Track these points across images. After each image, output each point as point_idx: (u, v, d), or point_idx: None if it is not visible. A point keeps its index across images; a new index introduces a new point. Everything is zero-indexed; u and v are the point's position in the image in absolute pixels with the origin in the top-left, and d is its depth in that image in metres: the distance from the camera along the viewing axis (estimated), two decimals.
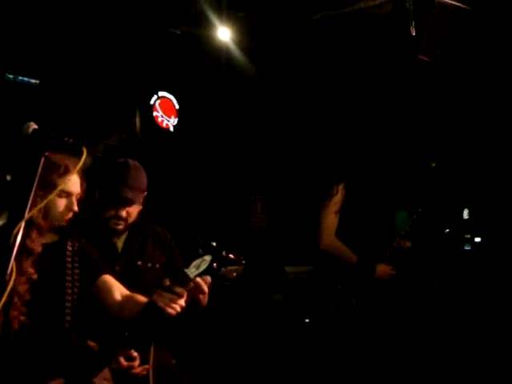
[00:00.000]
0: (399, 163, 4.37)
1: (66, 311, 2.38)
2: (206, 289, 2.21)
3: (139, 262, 2.98)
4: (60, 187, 2.28)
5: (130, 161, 3.02)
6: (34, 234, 2.33)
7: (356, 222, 3.85)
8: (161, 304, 2.14)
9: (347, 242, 3.80)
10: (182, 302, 2.17)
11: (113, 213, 2.90)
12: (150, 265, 2.99)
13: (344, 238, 3.82)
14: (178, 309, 2.17)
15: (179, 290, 2.14)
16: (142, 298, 2.40)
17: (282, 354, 4.68)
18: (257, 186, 7.05)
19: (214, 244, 2.14)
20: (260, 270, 5.37)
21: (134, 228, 3.04)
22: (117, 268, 2.89)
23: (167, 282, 2.17)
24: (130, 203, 2.91)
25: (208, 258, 2.12)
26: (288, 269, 5.41)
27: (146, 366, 2.71)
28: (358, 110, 5.38)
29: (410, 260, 4.01)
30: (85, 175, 2.53)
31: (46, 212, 2.35)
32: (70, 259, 2.49)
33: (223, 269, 2.19)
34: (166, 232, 3.17)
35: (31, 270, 2.31)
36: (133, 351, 2.67)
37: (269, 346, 4.80)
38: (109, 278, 2.55)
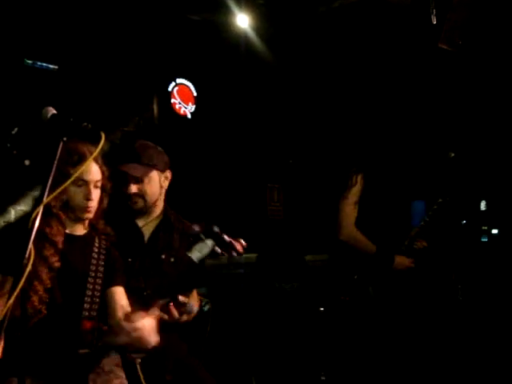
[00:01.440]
0: (417, 153, 4.34)
1: (85, 305, 2.40)
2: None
3: (163, 256, 2.98)
4: (75, 175, 2.29)
5: (140, 140, 3.04)
6: (53, 224, 2.34)
7: (374, 213, 3.84)
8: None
9: (365, 232, 3.80)
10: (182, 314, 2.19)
11: (125, 192, 2.91)
12: (172, 260, 2.98)
13: (362, 229, 3.81)
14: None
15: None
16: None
17: (296, 342, 4.68)
18: (274, 175, 7.03)
19: (216, 228, 2.14)
20: (275, 259, 5.37)
21: (162, 221, 3.04)
22: (139, 258, 2.91)
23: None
24: (135, 179, 2.92)
25: (210, 242, 2.13)
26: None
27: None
28: (376, 99, 5.35)
29: (427, 251, 4.00)
30: (106, 163, 2.54)
31: (65, 201, 2.36)
32: (96, 255, 2.51)
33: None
34: (192, 226, 3.18)
35: (54, 259, 2.33)
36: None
37: (283, 334, 4.80)
38: (119, 291, 2.55)
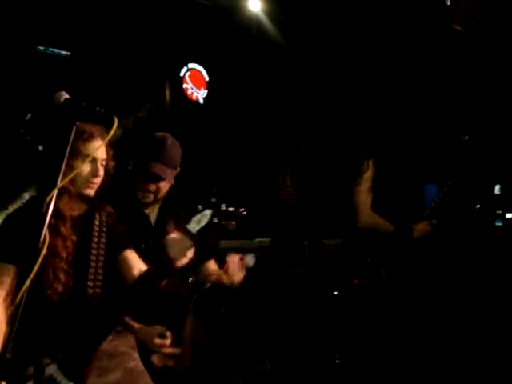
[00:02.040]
0: (431, 137, 4.32)
1: (88, 283, 2.40)
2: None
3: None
4: (91, 155, 2.30)
5: (168, 136, 3.02)
6: (64, 200, 2.35)
7: (387, 197, 3.84)
8: (171, 253, 2.15)
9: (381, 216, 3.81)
10: (188, 253, 2.19)
11: (141, 187, 2.92)
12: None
13: (377, 213, 3.81)
14: (183, 261, 2.18)
15: (186, 241, 2.16)
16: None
17: (310, 326, 4.69)
18: (286, 159, 7.02)
19: (214, 199, 2.14)
20: (288, 243, 5.37)
21: (166, 200, 3.05)
22: (151, 240, 2.92)
23: (175, 232, 2.18)
24: (160, 180, 2.93)
25: (208, 212, 2.12)
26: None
27: (175, 350, 2.72)
28: (388, 83, 5.31)
29: (440, 235, 3.99)
30: (113, 145, 2.55)
31: (72, 177, 2.36)
32: (96, 233, 2.52)
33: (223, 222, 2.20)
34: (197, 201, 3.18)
35: (71, 235, 2.35)
36: (165, 329, 2.69)
37: (297, 318, 4.81)
38: (130, 254, 2.57)
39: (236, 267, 2.30)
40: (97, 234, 2.51)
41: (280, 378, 4.43)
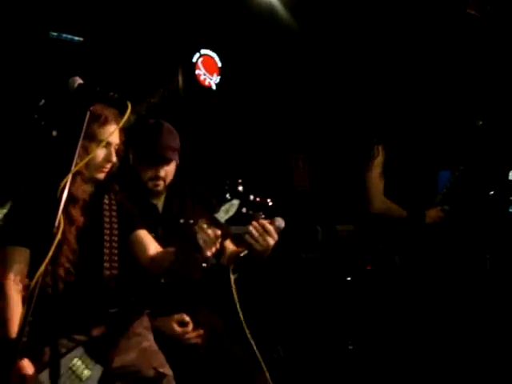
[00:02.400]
0: (444, 122, 4.29)
1: (104, 264, 2.42)
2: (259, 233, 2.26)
3: (181, 220, 2.99)
4: (105, 140, 2.30)
5: (162, 121, 3.03)
6: (77, 182, 2.36)
7: (399, 182, 3.83)
8: (201, 242, 2.15)
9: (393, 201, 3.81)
10: (217, 242, 2.19)
11: (151, 173, 2.90)
12: (192, 221, 3.00)
13: (389, 198, 3.81)
14: (213, 250, 2.18)
15: (216, 230, 2.16)
16: (173, 250, 2.42)
17: (323, 312, 4.70)
18: (299, 145, 7.00)
19: (241, 189, 2.13)
20: (300, 229, 5.38)
21: (171, 188, 3.04)
22: (159, 229, 2.92)
23: (205, 220, 2.18)
24: (168, 161, 2.91)
25: (236, 202, 2.11)
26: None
27: (200, 331, 2.76)
28: (401, 67, 5.27)
29: (453, 221, 3.98)
30: (125, 130, 2.55)
31: (86, 162, 2.37)
32: (107, 213, 2.52)
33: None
34: (204, 189, 3.18)
35: (81, 219, 2.36)
36: (185, 316, 2.71)
37: (310, 304, 4.82)
38: (144, 234, 2.58)
39: (264, 232, 2.29)
40: (108, 213, 2.52)
41: (293, 363, 4.45)
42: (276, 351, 4.47)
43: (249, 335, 2.48)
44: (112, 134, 2.38)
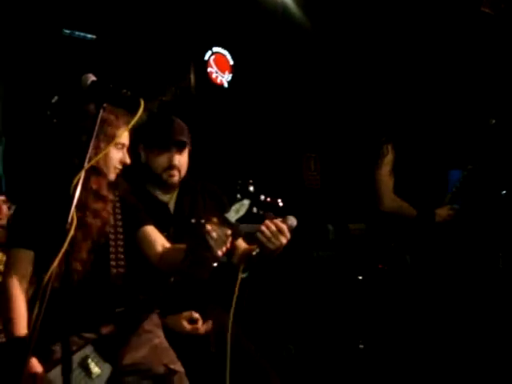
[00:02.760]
0: (457, 121, 4.27)
1: (111, 262, 2.41)
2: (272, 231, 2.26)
3: (193, 220, 2.98)
4: (117, 139, 2.30)
5: (172, 115, 3.04)
6: (94, 178, 2.36)
7: (409, 181, 3.83)
8: (211, 242, 2.15)
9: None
10: (228, 242, 2.19)
11: (165, 162, 2.88)
12: (203, 221, 2.99)
13: (399, 196, 3.81)
14: (224, 249, 2.18)
15: (227, 230, 2.16)
16: (183, 247, 2.42)
17: (334, 311, 4.69)
18: (310, 144, 6.99)
19: (252, 189, 2.13)
20: (312, 228, 5.37)
21: (182, 187, 3.03)
22: (171, 229, 2.91)
23: (215, 220, 2.18)
24: (182, 146, 2.91)
25: (247, 202, 2.10)
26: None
27: (209, 322, 2.76)
28: (412, 65, 5.25)
29: (464, 220, 3.96)
30: (133, 129, 2.55)
31: (104, 161, 2.37)
32: (112, 211, 2.50)
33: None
34: (215, 186, 3.17)
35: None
36: (194, 313, 2.71)
37: (321, 303, 4.82)
38: (151, 229, 2.56)
39: (277, 230, 2.29)
40: (112, 211, 2.49)
41: (304, 362, 4.45)
42: (287, 350, 4.47)
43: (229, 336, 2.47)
44: (122, 133, 2.38)
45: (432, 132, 3.91)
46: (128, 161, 2.46)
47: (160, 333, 2.51)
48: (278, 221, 2.29)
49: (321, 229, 5.47)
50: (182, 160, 2.92)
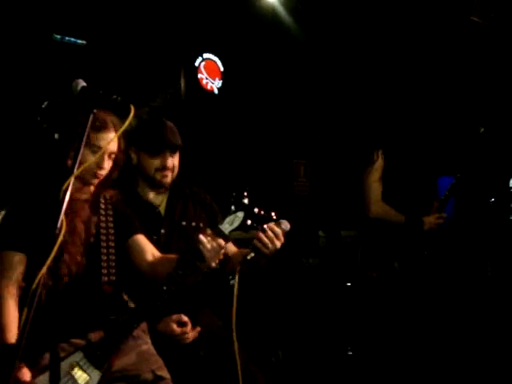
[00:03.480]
0: (446, 128, 4.30)
1: (102, 270, 2.42)
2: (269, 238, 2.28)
3: (183, 223, 3.01)
4: (100, 146, 2.30)
5: (164, 119, 3.07)
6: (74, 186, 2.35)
7: (397, 188, 3.85)
8: (206, 253, 2.17)
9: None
10: (222, 253, 2.21)
11: (158, 163, 2.92)
12: (194, 224, 3.02)
13: (387, 203, 3.82)
14: (217, 261, 2.21)
15: (221, 241, 2.17)
16: (174, 257, 2.43)
17: (322, 317, 4.69)
18: (300, 150, 7.00)
19: (246, 201, 2.15)
20: (301, 234, 5.37)
21: (173, 191, 3.05)
22: (162, 231, 2.92)
23: (209, 232, 2.19)
24: (175, 148, 2.94)
25: (241, 214, 2.15)
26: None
27: (198, 329, 2.76)
28: (402, 72, 5.28)
29: (453, 227, 3.99)
30: (125, 136, 2.54)
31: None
32: (103, 217, 2.52)
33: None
34: (204, 192, 3.19)
35: (78, 222, 2.35)
36: (183, 316, 2.72)
37: (310, 309, 4.82)
38: (141, 238, 2.57)
39: (273, 235, 2.32)
40: (104, 218, 2.50)
41: (292, 368, 4.44)
42: (275, 355, 4.47)
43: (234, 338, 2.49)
44: (109, 141, 2.38)
45: (422, 139, 3.93)
46: (105, 166, 2.44)
47: (147, 339, 2.52)
48: (274, 225, 2.30)
49: (311, 235, 5.48)
50: (174, 162, 2.97)
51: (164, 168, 2.91)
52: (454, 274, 4.14)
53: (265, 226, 2.29)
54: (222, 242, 2.17)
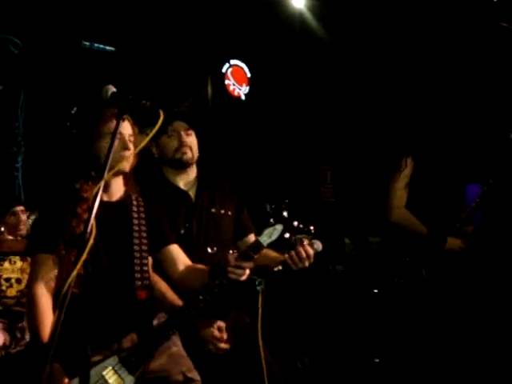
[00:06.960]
0: (475, 135, 4.25)
1: (136, 274, 2.42)
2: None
3: (213, 210, 3.05)
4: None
5: None
6: (82, 181, 2.38)
7: (425, 196, 3.81)
8: (232, 275, 2.20)
9: (416, 215, 3.77)
10: (248, 271, 2.22)
11: (176, 142, 2.97)
12: (223, 211, 3.06)
13: (413, 211, 3.78)
14: (244, 278, 2.22)
15: (247, 264, 2.20)
16: (205, 268, 2.45)
17: (349, 324, 4.68)
18: (327, 156, 6.99)
19: (286, 214, 2.15)
20: (327, 241, 5.36)
21: (201, 181, 3.08)
22: (195, 218, 2.95)
23: (236, 254, 2.23)
24: (186, 129, 3.01)
25: (279, 227, 2.15)
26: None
27: (229, 345, 2.75)
28: (432, 79, 5.25)
29: (482, 236, 3.94)
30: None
31: (95, 158, 2.38)
32: (136, 220, 2.51)
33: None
34: (232, 187, 3.23)
35: (85, 215, 2.33)
36: (221, 323, 2.71)
37: (337, 316, 4.80)
38: (174, 249, 2.58)
39: (305, 256, 2.33)
40: (137, 222, 2.50)
41: (318, 375, 4.43)
42: (302, 361, 4.46)
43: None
44: (126, 127, 2.43)
45: (452, 146, 3.89)
46: (130, 146, 2.44)
47: (177, 341, 2.52)
48: (307, 245, 2.31)
49: (337, 242, 5.46)
50: (191, 139, 3.01)
51: (181, 144, 2.96)
52: (482, 283, 4.09)
53: (299, 248, 2.29)
54: (249, 265, 2.19)
